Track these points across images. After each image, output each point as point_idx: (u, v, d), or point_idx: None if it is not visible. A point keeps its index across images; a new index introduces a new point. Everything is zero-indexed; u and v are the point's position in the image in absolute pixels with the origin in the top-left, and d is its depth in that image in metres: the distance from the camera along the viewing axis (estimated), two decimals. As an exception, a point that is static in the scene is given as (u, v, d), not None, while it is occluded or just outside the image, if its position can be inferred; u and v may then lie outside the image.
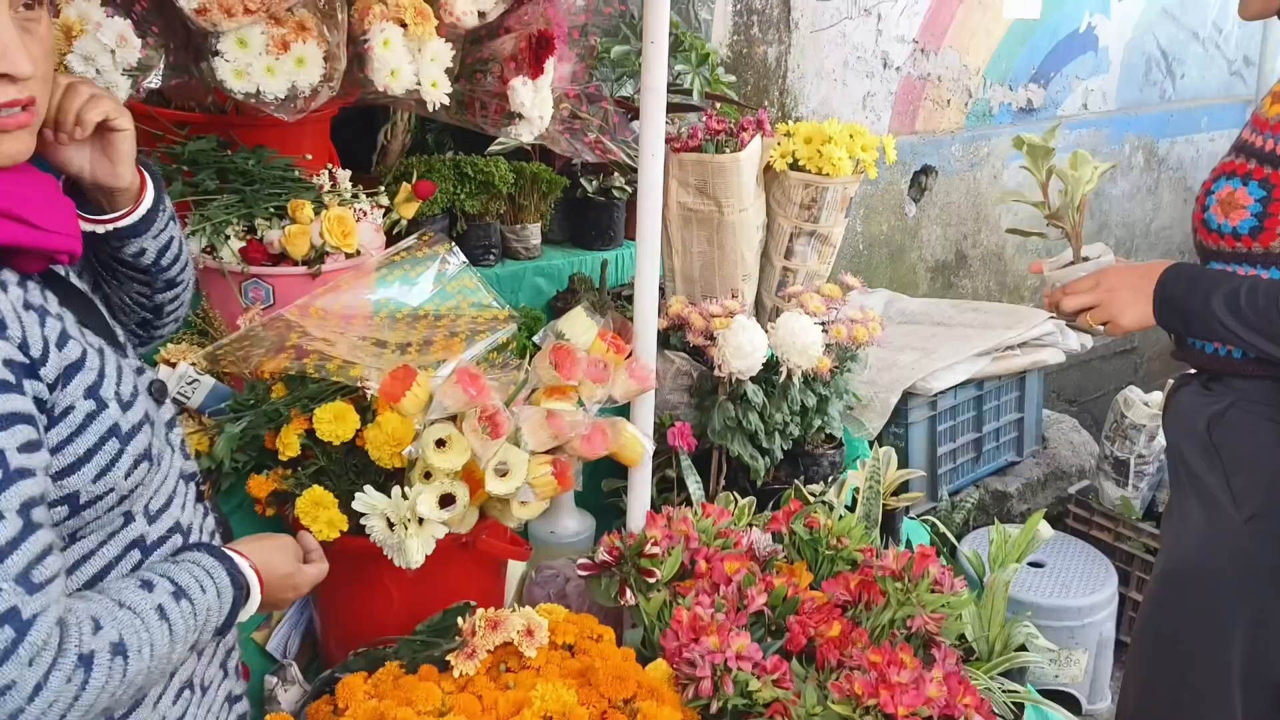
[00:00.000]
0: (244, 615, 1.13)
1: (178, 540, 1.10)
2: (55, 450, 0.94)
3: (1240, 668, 1.47)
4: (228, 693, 1.22)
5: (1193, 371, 1.56)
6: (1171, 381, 1.66)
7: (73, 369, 0.98)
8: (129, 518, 1.05)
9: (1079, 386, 4.71)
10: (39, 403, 0.93)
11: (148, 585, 1.01)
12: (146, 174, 1.18)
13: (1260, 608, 1.45)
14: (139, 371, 1.10)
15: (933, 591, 1.70)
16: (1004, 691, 1.98)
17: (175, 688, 1.09)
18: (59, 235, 0.99)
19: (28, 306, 0.96)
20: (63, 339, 0.98)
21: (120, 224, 1.17)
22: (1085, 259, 1.69)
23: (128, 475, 1.01)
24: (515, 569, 2.06)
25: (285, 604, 1.23)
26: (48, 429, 0.94)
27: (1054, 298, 1.62)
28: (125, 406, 1.02)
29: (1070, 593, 2.52)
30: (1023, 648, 2.10)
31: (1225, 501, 1.44)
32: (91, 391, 0.99)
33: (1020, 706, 2.07)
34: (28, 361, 0.92)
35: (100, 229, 1.15)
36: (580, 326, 1.63)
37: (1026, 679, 2.30)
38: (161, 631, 0.99)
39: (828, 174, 2.31)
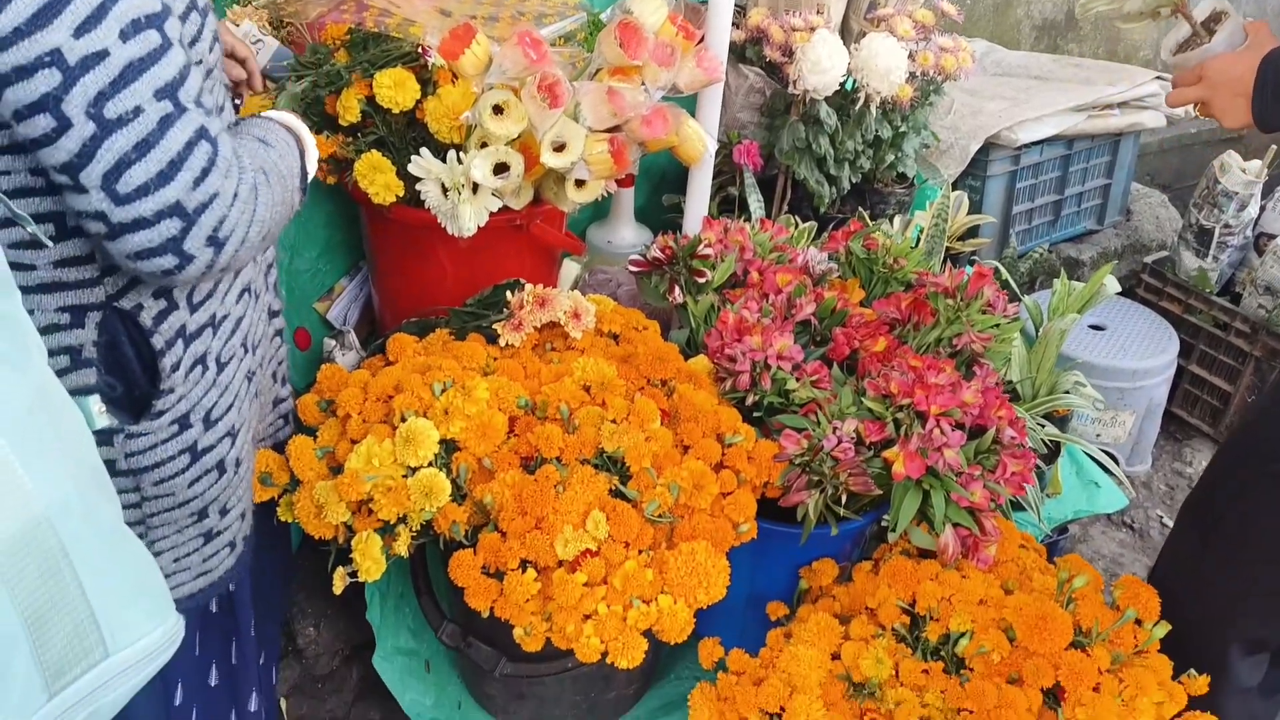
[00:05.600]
0: (310, 163, 1.19)
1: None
2: None
3: None
4: (268, 305, 1.29)
5: None
6: None
7: None
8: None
9: (1177, 171, 4.47)
10: None
11: (237, 134, 1.08)
12: None
13: None
14: None
15: (984, 313, 1.68)
16: (1042, 429, 1.99)
17: (238, 289, 1.16)
18: None
19: None
20: None
21: None
22: (1209, 29, 1.46)
23: (210, 49, 1.05)
24: (569, 271, 2.08)
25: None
26: None
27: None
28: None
29: (1127, 355, 2.48)
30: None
31: None
32: None
33: (1058, 446, 2.09)
34: None
35: None
36: (650, 6, 1.56)
37: (1068, 429, 2.32)
38: (275, 165, 1.07)
39: (935, -120, 2.11)
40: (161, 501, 1.11)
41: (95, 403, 0.96)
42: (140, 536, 0.97)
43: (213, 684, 1.33)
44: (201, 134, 0.92)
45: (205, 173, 0.92)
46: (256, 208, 0.99)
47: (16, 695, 0.78)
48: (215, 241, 0.95)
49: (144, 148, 0.88)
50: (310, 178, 1.20)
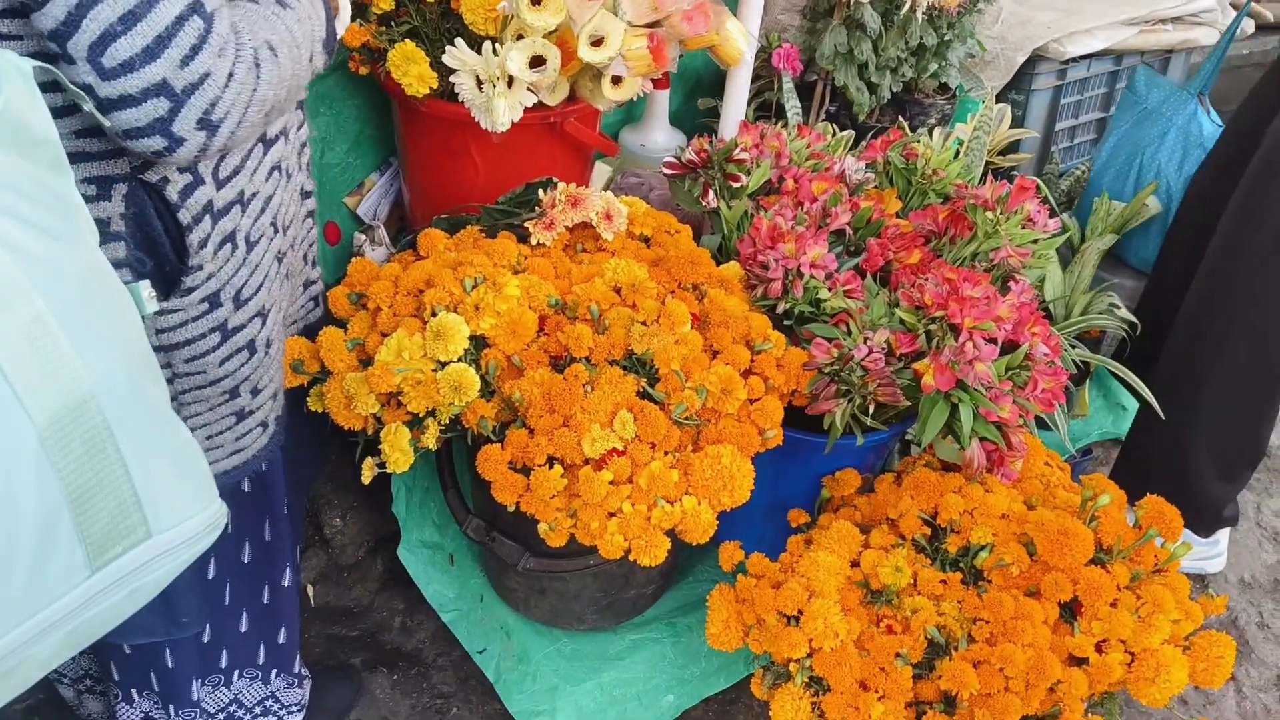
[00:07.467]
0: (342, 19, 1.18)
1: None
2: None
3: None
4: (300, 185, 1.28)
5: None
6: None
7: None
8: None
9: (1224, 94, 4.32)
10: None
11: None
12: None
13: None
14: None
15: (1023, 228, 1.65)
16: (1073, 349, 1.97)
17: (268, 166, 1.14)
18: None
19: None
20: None
21: None
22: None
23: None
24: (601, 173, 2.05)
25: None
26: None
27: None
28: None
29: (1164, 279, 2.45)
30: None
31: None
32: None
33: (1087, 368, 2.08)
34: None
35: None
36: (695, -104, 1.50)
37: (1099, 351, 2.29)
38: (288, 34, 1.04)
39: None
40: (193, 379, 1.12)
41: (145, 288, 0.96)
42: None
43: (246, 560, 1.36)
44: (194, 8, 0.89)
45: (195, 50, 0.89)
46: (257, 88, 0.96)
47: (60, 568, 0.80)
48: (207, 124, 0.92)
49: (130, 20, 0.85)
50: (339, 35, 1.16)
